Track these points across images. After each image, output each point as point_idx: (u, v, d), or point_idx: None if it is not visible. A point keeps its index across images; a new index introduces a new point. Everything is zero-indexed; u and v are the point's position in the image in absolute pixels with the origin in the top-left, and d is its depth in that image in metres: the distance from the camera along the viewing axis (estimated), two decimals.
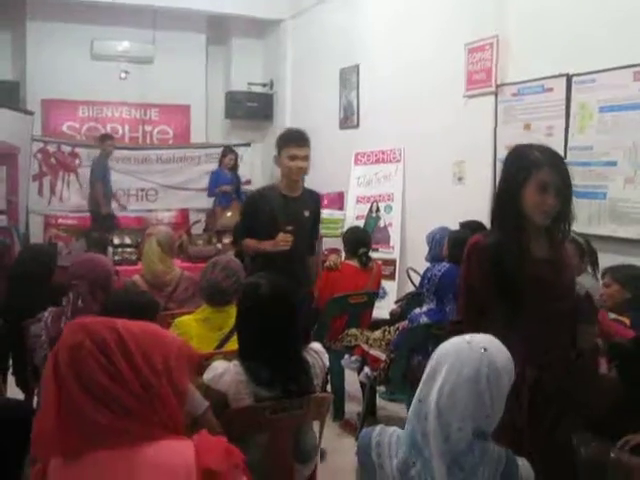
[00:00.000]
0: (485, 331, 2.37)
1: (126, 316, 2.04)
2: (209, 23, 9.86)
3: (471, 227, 4.51)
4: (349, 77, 7.83)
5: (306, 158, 4.00)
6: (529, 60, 5.20)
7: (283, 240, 3.93)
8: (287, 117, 9.49)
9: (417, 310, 4.21)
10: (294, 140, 4.00)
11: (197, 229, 8.81)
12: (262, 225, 4.00)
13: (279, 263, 3.78)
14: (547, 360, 2.44)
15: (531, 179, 2.42)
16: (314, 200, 4.28)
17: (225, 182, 8.94)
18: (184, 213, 9.63)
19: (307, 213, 4.14)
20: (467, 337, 1.77)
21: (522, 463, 1.77)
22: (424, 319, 4.08)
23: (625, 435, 2.91)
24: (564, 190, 2.44)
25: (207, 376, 2.47)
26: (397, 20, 6.84)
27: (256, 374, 2.49)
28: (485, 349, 1.72)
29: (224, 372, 2.47)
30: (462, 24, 5.83)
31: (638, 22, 4.28)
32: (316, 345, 2.77)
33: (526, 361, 2.33)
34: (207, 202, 9.20)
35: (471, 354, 1.71)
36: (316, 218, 4.32)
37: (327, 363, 2.76)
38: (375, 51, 7.27)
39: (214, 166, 9.34)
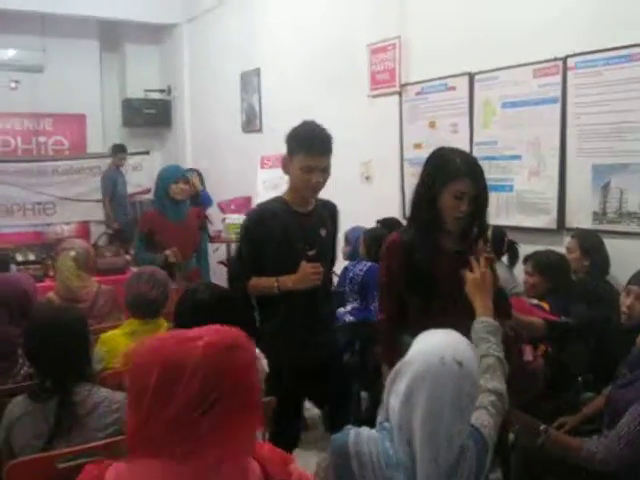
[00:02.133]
0: (404, 323, 2.60)
1: (54, 338, 1.97)
2: (101, 29, 9.60)
3: (387, 224, 4.60)
4: (250, 80, 7.80)
5: (326, 170, 2.99)
6: (432, 60, 5.31)
7: (313, 272, 2.95)
8: (187, 123, 9.39)
9: (341, 309, 4.23)
10: (312, 147, 2.94)
11: (102, 240, 8.59)
12: (274, 253, 3.00)
13: (303, 305, 2.98)
14: None
15: (448, 187, 2.52)
16: (330, 213, 3.24)
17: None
18: (85, 226, 9.33)
19: (324, 232, 3.13)
20: (437, 353, 1.69)
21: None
22: (349, 318, 4.11)
23: (555, 417, 3.05)
24: (479, 200, 2.55)
25: None
26: (297, 22, 6.86)
27: None
28: (460, 363, 1.67)
29: None
30: (364, 25, 5.91)
31: (537, 21, 4.45)
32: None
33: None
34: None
35: (449, 374, 1.66)
36: (334, 237, 3.32)
37: (266, 369, 2.74)
38: (276, 54, 7.25)
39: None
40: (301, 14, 6.82)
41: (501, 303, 2.69)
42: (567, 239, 4.20)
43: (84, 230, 9.25)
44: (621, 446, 2.38)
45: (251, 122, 7.90)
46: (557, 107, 4.41)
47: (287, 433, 2.89)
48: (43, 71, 9.20)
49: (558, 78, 4.38)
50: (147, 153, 9.75)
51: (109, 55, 9.84)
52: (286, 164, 3.04)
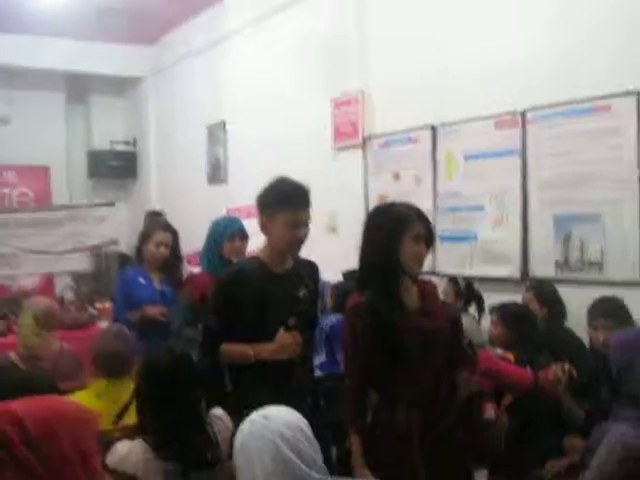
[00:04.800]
0: (368, 383, 2.62)
1: None
2: (68, 81, 9.60)
3: (353, 277, 4.59)
4: (216, 133, 7.85)
5: (308, 223, 2.93)
6: (395, 112, 5.41)
7: (291, 342, 2.82)
8: (152, 174, 9.42)
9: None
10: (295, 201, 2.88)
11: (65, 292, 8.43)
12: (249, 318, 2.85)
13: (277, 373, 2.84)
14: (431, 406, 2.55)
15: (407, 232, 2.58)
16: (309, 274, 3.10)
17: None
18: (49, 278, 9.18)
19: (303, 292, 2.96)
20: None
21: None
22: (317, 372, 4.06)
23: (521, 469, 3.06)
24: (430, 240, 2.69)
25: (111, 459, 2.32)
26: (261, 75, 6.95)
27: (163, 449, 2.39)
28: (265, 417, 1.82)
29: (129, 452, 2.34)
30: (327, 79, 5.99)
31: (497, 74, 4.57)
32: (218, 411, 2.69)
33: (411, 406, 2.51)
34: (75, 265, 8.84)
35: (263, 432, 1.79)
36: (314, 299, 3.16)
37: (231, 427, 2.69)
38: (241, 107, 7.33)
39: (77, 227, 9.01)
40: (265, 67, 6.91)
41: (469, 355, 2.74)
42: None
43: (49, 283, 9.10)
44: None
45: (216, 174, 7.93)
46: (518, 158, 4.49)
47: None
48: (9, 123, 9.17)
49: (518, 130, 4.48)
50: (112, 205, 9.67)
51: (75, 107, 9.83)
52: (265, 224, 2.91)
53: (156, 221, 4.66)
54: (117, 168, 9.65)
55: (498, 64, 4.57)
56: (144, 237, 4.32)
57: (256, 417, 1.83)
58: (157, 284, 4.26)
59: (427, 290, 2.74)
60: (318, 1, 6.14)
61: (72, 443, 1.41)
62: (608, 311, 3.53)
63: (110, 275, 9.01)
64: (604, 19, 4.02)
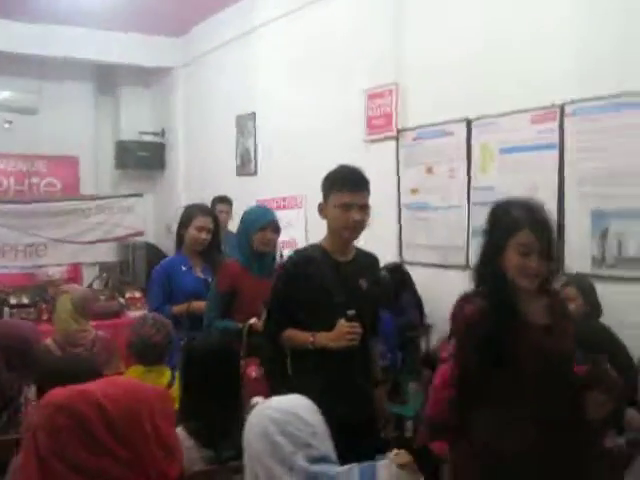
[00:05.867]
0: (480, 409, 2.28)
1: None
2: (97, 72, 9.66)
3: (390, 269, 4.61)
4: (246, 124, 7.84)
5: (365, 207, 2.94)
6: (429, 105, 5.36)
7: (349, 332, 2.81)
8: (181, 166, 9.42)
9: None
10: (347, 183, 2.92)
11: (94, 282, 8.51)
12: (311, 305, 2.88)
13: (336, 363, 2.85)
14: (552, 436, 2.24)
15: (511, 242, 2.28)
16: (372, 265, 3.15)
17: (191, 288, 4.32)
18: (76, 267, 9.26)
19: (365, 284, 2.99)
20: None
21: None
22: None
23: None
24: (547, 250, 2.30)
25: None
26: (292, 66, 6.93)
27: (203, 436, 2.39)
28: (265, 403, 1.95)
29: None
30: (361, 70, 5.95)
31: (534, 68, 4.52)
32: (258, 399, 2.69)
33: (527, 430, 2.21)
34: (102, 255, 8.89)
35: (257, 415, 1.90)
36: (376, 290, 3.15)
37: None
38: (272, 98, 7.31)
39: (104, 217, 9.07)
40: (296, 58, 6.88)
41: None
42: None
43: (76, 272, 9.18)
44: None
45: (246, 165, 7.93)
46: (555, 153, 4.44)
47: None
48: (37, 113, 9.23)
49: (556, 124, 4.43)
50: (140, 196, 9.72)
51: (103, 98, 9.89)
52: (322, 209, 2.97)
53: (196, 205, 4.61)
54: (145, 159, 9.66)
55: (536, 56, 4.51)
56: (185, 221, 4.23)
57: (260, 403, 1.98)
58: (199, 272, 4.20)
59: (556, 304, 2.41)
60: None
61: (150, 423, 1.42)
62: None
63: (136, 266, 9.08)
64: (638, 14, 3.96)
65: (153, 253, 9.32)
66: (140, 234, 9.23)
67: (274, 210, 4.37)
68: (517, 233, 2.26)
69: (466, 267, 5.01)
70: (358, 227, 2.91)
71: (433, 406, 3.18)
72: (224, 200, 6.82)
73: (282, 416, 1.84)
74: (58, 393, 1.43)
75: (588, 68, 4.22)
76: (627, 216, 4.09)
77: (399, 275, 4.97)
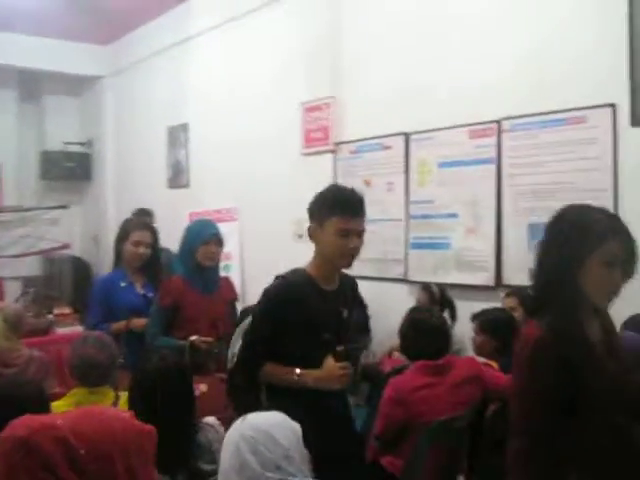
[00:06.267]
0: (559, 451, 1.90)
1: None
2: (21, 78, 9.30)
3: None
4: (178, 135, 7.71)
5: (362, 235, 2.69)
6: (367, 119, 5.38)
7: (341, 373, 2.61)
8: (109, 177, 9.21)
9: None
10: (349, 207, 2.65)
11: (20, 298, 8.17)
12: (295, 339, 2.64)
13: (314, 398, 2.62)
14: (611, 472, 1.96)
15: (596, 253, 1.96)
16: (351, 288, 2.90)
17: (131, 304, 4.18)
18: None
19: (345, 312, 2.77)
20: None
21: None
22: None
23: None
24: (632, 266, 2.00)
25: None
26: (227, 77, 6.85)
27: (159, 464, 2.29)
28: (243, 419, 1.88)
29: None
30: (298, 83, 5.93)
31: (472, 84, 4.58)
32: (210, 419, 2.61)
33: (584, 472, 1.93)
34: (25, 269, 8.58)
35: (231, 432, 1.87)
36: (351, 314, 2.86)
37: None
38: (206, 109, 7.21)
39: (28, 230, 8.76)
40: (231, 69, 6.81)
41: None
42: (502, 296, 4.26)
43: None
44: None
45: (178, 177, 7.79)
46: (493, 167, 4.51)
47: None
48: None
49: (493, 140, 4.50)
50: (66, 207, 9.43)
51: (27, 106, 9.51)
52: (314, 232, 2.68)
53: (133, 220, 4.47)
54: (71, 170, 9.37)
55: (474, 73, 4.58)
56: (122, 236, 4.10)
57: (238, 419, 1.90)
58: (140, 287, 4.09)
59: (607, 320, 2.13)
60: (289, 5, 6.07)
61: (122, 464, 1.32)
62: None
63: (63, 280, 8.80)
64: (579, 32, 4.06)
65: (80, 267, 9.07)
66: (66, 247, 8.97)
67: None
68: (603, 244, 1.95)
69: (405, 280, 5.05)
70: (355, 255, 2.68)
71: (382, 420, 3.17)
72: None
73: (255, 434, 1.79)
74: (20, 425, 1.32)
75: (526, 85, 4.31)
76: None
77: None
